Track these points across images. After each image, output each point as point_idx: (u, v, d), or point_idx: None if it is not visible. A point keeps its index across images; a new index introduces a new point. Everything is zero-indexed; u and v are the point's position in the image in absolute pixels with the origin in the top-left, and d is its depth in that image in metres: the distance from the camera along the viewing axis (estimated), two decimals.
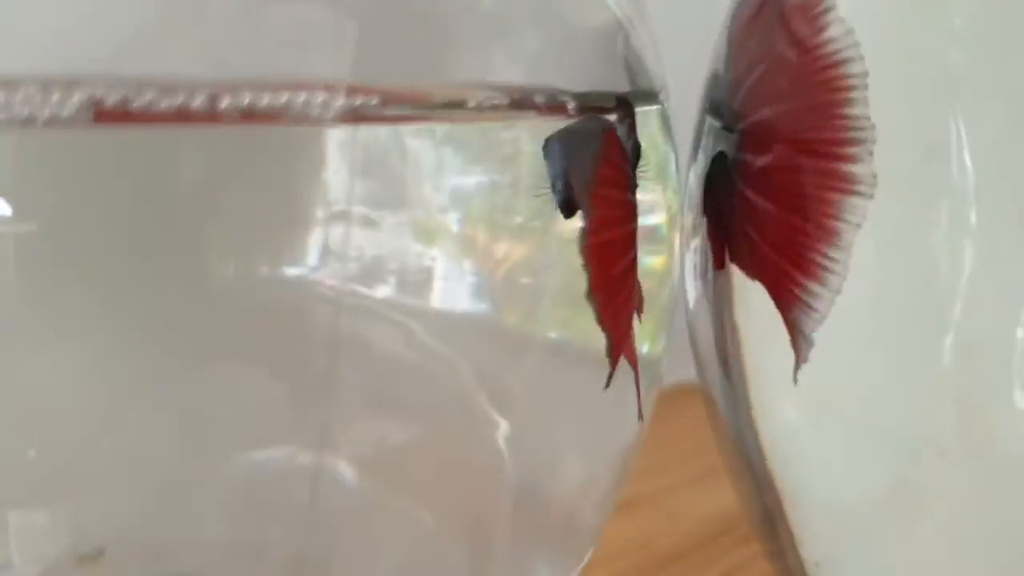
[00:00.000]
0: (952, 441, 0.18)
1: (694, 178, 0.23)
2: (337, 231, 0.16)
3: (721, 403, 0.23)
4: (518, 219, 0.18)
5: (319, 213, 0.16)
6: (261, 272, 0.16)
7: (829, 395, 0.20)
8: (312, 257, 0.16)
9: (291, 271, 0.16)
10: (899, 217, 0.18)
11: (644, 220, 0.20)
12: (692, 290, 0.24)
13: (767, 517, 0.23)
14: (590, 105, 0.18)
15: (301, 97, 0.14)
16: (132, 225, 0.16)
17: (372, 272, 0.17)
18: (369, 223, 0.17)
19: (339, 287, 0.16)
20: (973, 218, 0.17)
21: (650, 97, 0.20)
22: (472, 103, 0.16)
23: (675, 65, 0.22)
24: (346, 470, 0.17)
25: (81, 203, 0.15)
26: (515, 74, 0.18)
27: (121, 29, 0.16)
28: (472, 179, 0.18)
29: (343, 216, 0.16)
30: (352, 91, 0.15)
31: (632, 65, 0.20)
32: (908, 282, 0.18)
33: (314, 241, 0.16)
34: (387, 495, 0.18)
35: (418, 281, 0.17)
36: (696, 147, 0.23)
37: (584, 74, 0.19)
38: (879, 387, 0.19)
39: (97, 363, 0.16)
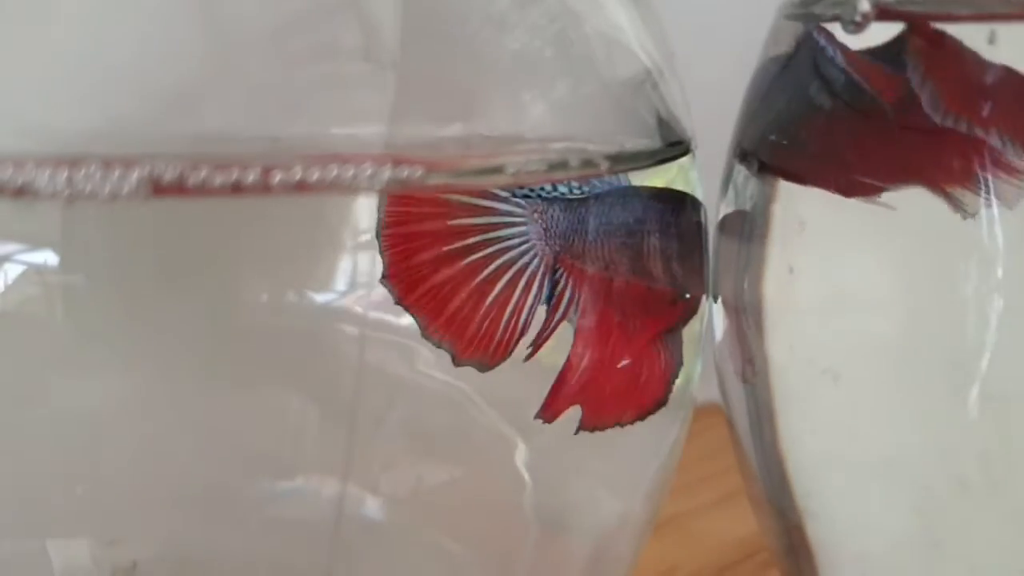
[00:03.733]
0: (975, 475, 0.19)
1: (724, 212, 0.23)
2: (365, 258, 0.17)
3: (746, 433, 0.23)
4: None
5: (347, 240, 0.17)
6: (289, 299, 0.16)
7: (855, 428, 0.21)
8: (340, 284, 0.16)
9: (319, 298, 0.16)
10: (931, 271, 0.19)
11: None
12: (720, 323, 0.24)
13: (790, 548, 0.23)
14: (622, 165, 0.19)
15: (350, 171, 0.15)
16: (166, 257, 0.16)
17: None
18: None
19: (364, 315, 0.17)
20: (1000, 273, 0.18)
21: (679, 145, 0.20)
22: (512, 169, 0.17)
23: (704, 106, 0.22)
24: (371, 496, 0.18)
25: (119, 245, 0.16)
26: (549, 124, 0.19)
27: (164, 88, 0.16)
28: None
29: (371, 244, 0.17)
30: (398, 161, 0.15)
31: (662, 114, 0.20)
32: (937, 330, 0.19)
33: (342, 268, 0.17)
34: (411, 523, 0.18)
35: None
36: (726, 183, 0.23)
37: (616, 123, 0.20)
38: (904, 423, 0.20)
39: (134, 389, 0.17)
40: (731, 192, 0.23)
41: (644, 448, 0.20)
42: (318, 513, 0.17)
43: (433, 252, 0.17)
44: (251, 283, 0.16)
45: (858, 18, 0.19)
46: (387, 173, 0.15)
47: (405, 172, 0.15)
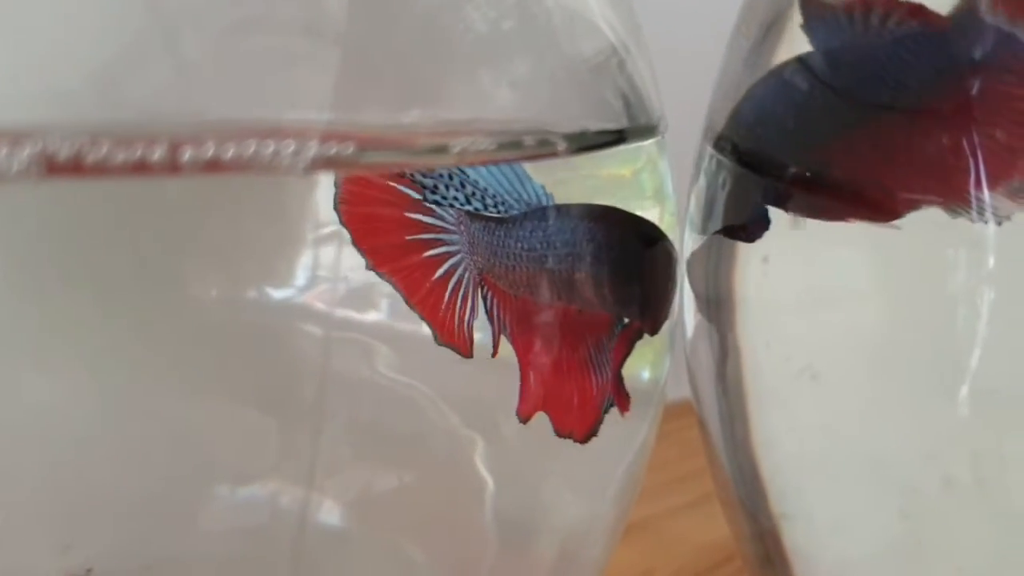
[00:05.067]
0: (964, 475, 0.18)
1: (695, 200, 0.23)
2: (327, 253, 0.16)
3: (718, 433, 0.23)
4: None
5: (308, 234, 0.16)
6: (249, 296, 0.16)
7: (836, 427, 0.20)
8: (301, 279, 0.16)
9: (279, 294, 0.16)
10: (917, 259, 0.18)
11: None
12: (691, 318, 0.23)
13: (764, 555, 0.22)
14: (583, 145, 0.18)
15: (269, 148, 0.14)
16: (116, 249, 0.16)
17: (362, 294, 0.16)
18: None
19: (328, 311, 0.16)
20: (991, 262, 0.17)
21: (647, 128, 0.20)
22: (456, 148, 0.16)
23: (674, 88, 0.22)
24: (333, 502, 0.17)
25: (58, 235, 0.15)
26: (506, 104, 0.18)
27: (91, 61, 0.15)
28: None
29: (333, 237, 0.16)
30: (326, 137, 0.14)
31: (628, 94, 0.19)
32: (924, 324, 0.18)
33: (303, 263, 0.16)
34: (373, 528, 0.18)
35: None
36: (697, 170, 0.23)
37: (579, 104, 0.19)
38: (889, 422, 0.19)
39: (88, 390, 0.16)
40: (702, 177, 0.22)
41: (610, 449, 0.20)
42: (281, 518, 0.17)
43: (395, 238, 0.17)
44: (208, 280, 0.16)
45: None
46: (312, 151, 0.14)
47: (333, 150, 0.14)
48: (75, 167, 0.13)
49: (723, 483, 0.23)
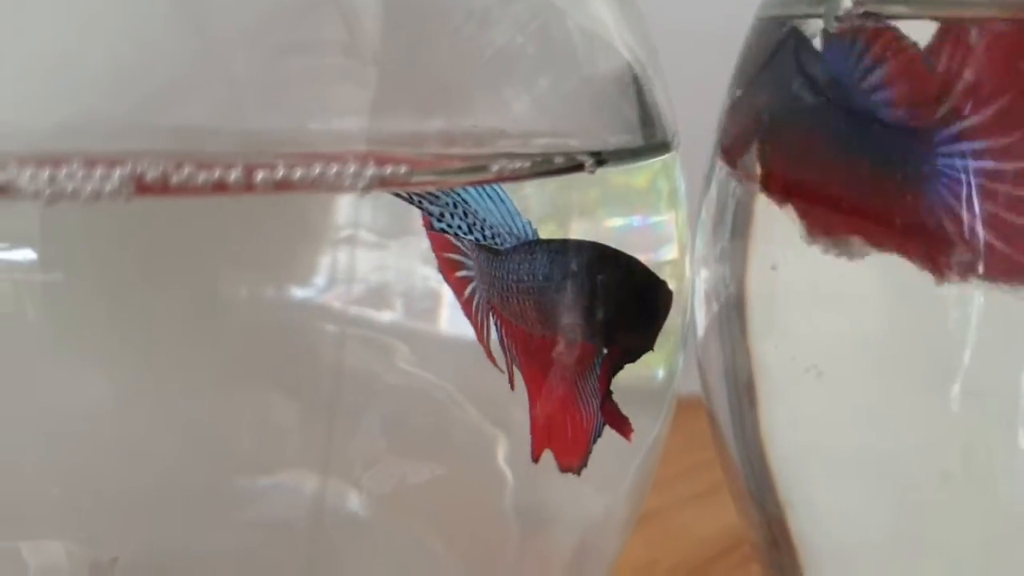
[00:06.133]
0: (957, 469, 0.19)
1: (706, 209, 0.23)
2: (343, 255, 0.17)
3: (728, 426, 0.23)
4: None
5: (327, 236, 0.17)
6: (270, 296, 0.16)
7: (838, 422, 0.21)
8: (319, 279, 0.17)
9: (298, 293, 0.16)
10: (912, 268, 0.18)
11: (658, 250, 0.20)
12: (702, 319, 0.24)
13: (772, 541, 0.23)
14: (607, 161, 0.18)
15: (333, 169, 0.15)
16: (145, 255, 0.16)
17: (378, 295, 0.17)
18: (375, 246, 0.17)
19: (344, 310, 0.17)
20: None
21: (662, 144, 0.20)
22: (495, 168, 0.17)
23: (687, 104, 0.22)
24: (352, 494, 0.18)
25: (99, 242, 0.16)
26: (529, 120, 0.19)
27: (143, 83, 0.16)
28: None
29: (350, 240, 0.17)
30: (381, 160, 0.15)
31: (644, 110, 0.20)
32: (919, 326, 0.19)
33: (321, 264, 0.17)
34: (392, 520, 0.18)
35: (425, 307, 0.18)
36: (708, 180, 0.23)
37: (599, 120, 0.19)
38: (887, 418, 0.20)
39: (115, 387, 0.16)
40: (713, 188, 0.23)
41: (625, 445, 0.20)
42: (299, 511, 0.17)
43: (442, 256, 0.17)
44: (231, 281, 0.16)
45: (840, 13, 0.19)
46: (370, 171, 0.15)
47: (388, 170, 0.15)
48: (161, 188, 0.14)
49: (732, 473, 0.24)
